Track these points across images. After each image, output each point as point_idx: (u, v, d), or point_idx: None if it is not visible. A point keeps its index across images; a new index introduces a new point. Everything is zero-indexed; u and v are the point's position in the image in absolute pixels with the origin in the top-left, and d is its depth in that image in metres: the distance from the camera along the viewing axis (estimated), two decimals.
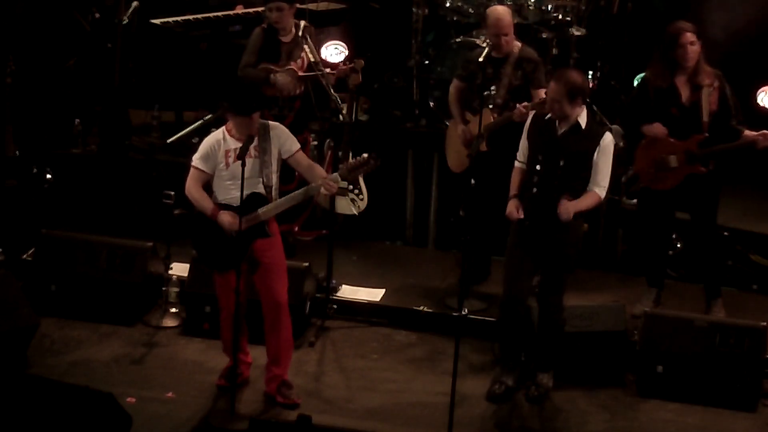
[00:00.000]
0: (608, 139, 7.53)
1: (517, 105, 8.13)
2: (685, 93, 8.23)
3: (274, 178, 7.47)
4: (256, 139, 7.41)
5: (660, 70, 8.27)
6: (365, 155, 7.49)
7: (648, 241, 8.73)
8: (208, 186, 7.54)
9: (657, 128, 8.28)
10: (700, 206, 8.44)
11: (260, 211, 7.41)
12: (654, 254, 8.72)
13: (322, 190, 7.44)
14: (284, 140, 7.52)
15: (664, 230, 8.62)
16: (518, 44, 8.65)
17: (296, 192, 7.49)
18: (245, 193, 7.29)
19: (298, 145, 7.59)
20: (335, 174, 7.48)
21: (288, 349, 7.72)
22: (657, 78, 8.27)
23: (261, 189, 7.43)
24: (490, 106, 8.60)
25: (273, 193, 7.47)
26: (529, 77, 8.52)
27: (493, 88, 8.61)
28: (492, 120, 8.55)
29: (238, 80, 8.89)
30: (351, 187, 8.99)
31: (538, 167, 7.60)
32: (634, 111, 8.44)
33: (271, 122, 7.56)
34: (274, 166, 7.47)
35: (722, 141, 8.19)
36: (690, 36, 8.15)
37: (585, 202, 7.53)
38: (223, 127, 7.54)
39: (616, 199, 9.27)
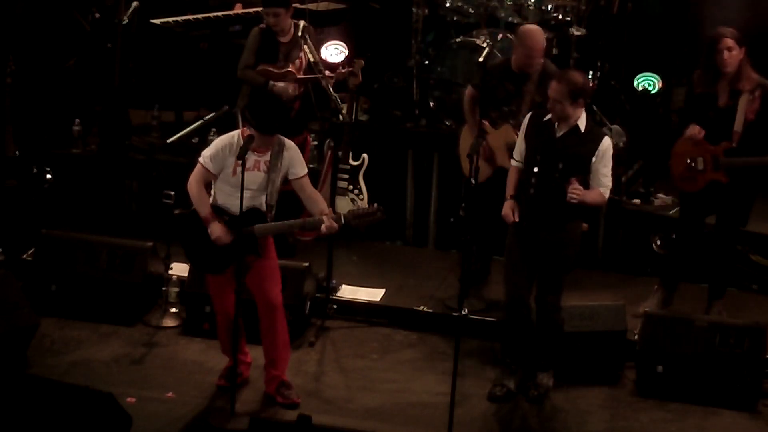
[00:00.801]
0: (607, 144, 7.52)
1: None
2: (723, 97, 8.18)
3: (276, 198, 7.45)
4: (268, 154, 7.39)
5: (702, 75, 8.24)
6: (374, 205, 7.43)
7: (675, 243, 8.72)
8: (208, 183, 7.52)
9: (693, 128, 8.24)
10: (725, 212, 8.40)
11: (256, 227, 7.38)
12: (676, 257, 8.69)
13: (323, 228, 7.39)
14: (295, 162, 7.47)
15: (693, 234, 8.56)
16: (540, 60, 8.52)
17: (295, 221, 7.46)
18: (247, 204, 7.27)
19: (306, 171, 7.53)
20: (339, 216, 7.40)
21: (285, 350, 7.72)
22: (699, 82, 8.26)
23: (262, 205, 7.42)
24: (511, 122, 8.53)
25: (272, 212, 7.44)
26: None
27: (513, 106, 8.52)
28: (515, 137, 8.42)
29: (239, 81, 8.90)
30: (351, 187, 9.00)
31: (535, 169, 7.59)
32: (688, 109, 8.41)
33: (287, 141, 7.48)
34: (278, 185, 7.44)
35: (754, 154, 8.14)
36: (728, 42, 8.09)
37: (591, 196, 7.53)
38: (239, 132, 7.48)
39: (616, 199, 9.27)
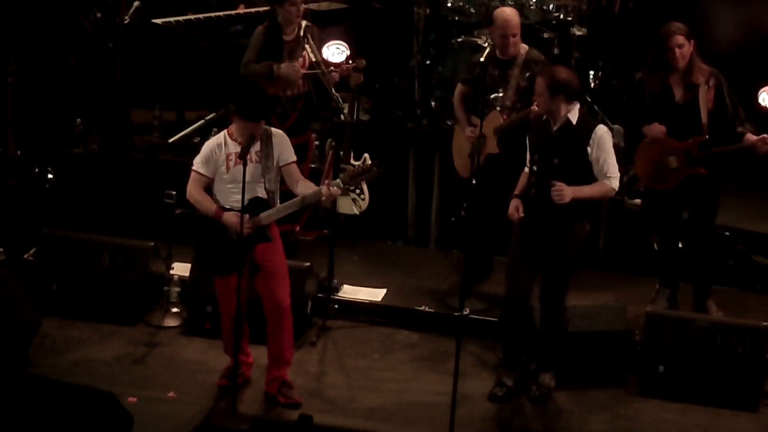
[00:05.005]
0: (600, 131, 7.51)
1: (533, 106, 8.02)
2: (678, 92, 8.22)
3: (276, 183, 7.47)
4: (258, 143, 7.41)
5: (653, 72, 8.27)
6: (368, 162, 7.46)
7: (661, 241, 8.74)
8: (209, 190, 7.54)
9: (655, 128, 8.27)
10: (699, 206, 8.43)
11: (261, 215, 7.40)
12: (667, 254, 8.70)
13: (324, 196, 7.39)
14: (284, 148, 7.51)
15: (672, 230, 8.60)
16: (525, 46, 8.64)
17: (297, 198, 7.47)
18: (246, 197, 7.29)
19: (295, 158, 7.58)
20: (337, 180, 7.44)
21: (289, 351, 7.73)
22: (651, 80, 8.28)
23: (262, 193, 7.43)
24: (498, 108, 8.60)
25: (274, 198, 7.46)
26: None
27: (500, 91, 8.61)
28: (501, 122, 8.55)
29: (243, 79, 8.90)
30: (353, 187, 8.99)
31: (535, 167, 7.61)
32: (633, 112, 8.45)
33: (273, 129, 7.54)
34: (275, 172, 7.46)
35: (723, 142, 8.18)
36: (679, 39, 8.13)
37: (589, 190, 7.51)
38: (225, 131, 7.54)
39: (617, 199, 9.26)
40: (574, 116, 7.55)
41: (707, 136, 8.14)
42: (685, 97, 8.21)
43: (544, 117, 7.63)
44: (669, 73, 8.22)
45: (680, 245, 8.94)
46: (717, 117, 8.19)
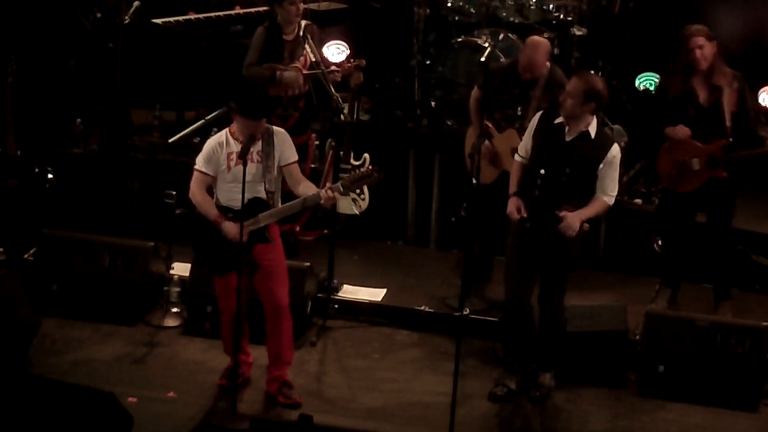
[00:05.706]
0: (615, 151, 7.48)
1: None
2: (702, 94, 8.20)
3: (276, 184, 7.46)
4: (259, 143, 7.40)
5: (675, 74, 8.24)
6: (369, 165, 7.45)
7: (668, 241, 8.73)
8: (210, 188, 7.54)
9: (680, 130, 8.25)
10: (717, 208, 8.42)
11: (260, 216, 7.40)
12: (673, 255, 8.70)
13: (323, 199, 7.38)
14: (285, 148, 7.50)
15: (684, 232, 8.59)
16: (548, 65, 8.53)
17: (297, 200, 7.47)
18: (247, 196, 7.29)
19: (296, 158, 7.57)
20: (337, 184, 7.42)
21: (289, 350, 7.73)
22: (673, 82, 8.25)
23: (263, 193, 7.42)
24: (516, 126, 8.54)
25: (274, 198, 7.46)
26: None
27: (519, 109, 8.52)
28: (519, 142, 8.44)
29: (245, 80, 8.91)
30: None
31: (542, 171, 7.56)
32: (656, 113, 8.40)
33: (275, 128, 7.53)
34: (276, 172, 7.46)
35: (744, 146, 8.16)
36: (699, 40, 8.11)
37: (590, 210, 7.49)
38: (226, 130, 7.53)
39: (618, 199, 9.25)
40: (593, 129, 7.49)
41: (731, 140, 8.13)
42: (709, 100, 8.19)
43: (557, 121, 7.56)
44: (691, 75, 8.19)
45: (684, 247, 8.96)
46: (739, 120, 8.17)
